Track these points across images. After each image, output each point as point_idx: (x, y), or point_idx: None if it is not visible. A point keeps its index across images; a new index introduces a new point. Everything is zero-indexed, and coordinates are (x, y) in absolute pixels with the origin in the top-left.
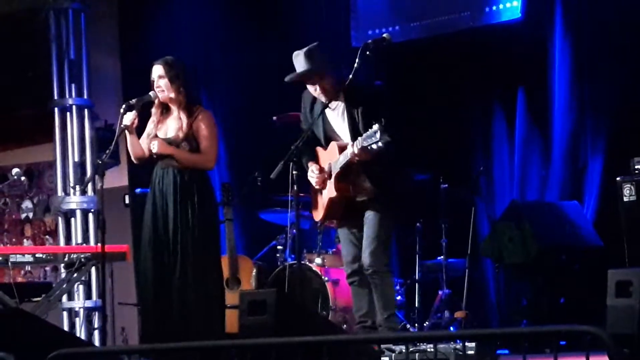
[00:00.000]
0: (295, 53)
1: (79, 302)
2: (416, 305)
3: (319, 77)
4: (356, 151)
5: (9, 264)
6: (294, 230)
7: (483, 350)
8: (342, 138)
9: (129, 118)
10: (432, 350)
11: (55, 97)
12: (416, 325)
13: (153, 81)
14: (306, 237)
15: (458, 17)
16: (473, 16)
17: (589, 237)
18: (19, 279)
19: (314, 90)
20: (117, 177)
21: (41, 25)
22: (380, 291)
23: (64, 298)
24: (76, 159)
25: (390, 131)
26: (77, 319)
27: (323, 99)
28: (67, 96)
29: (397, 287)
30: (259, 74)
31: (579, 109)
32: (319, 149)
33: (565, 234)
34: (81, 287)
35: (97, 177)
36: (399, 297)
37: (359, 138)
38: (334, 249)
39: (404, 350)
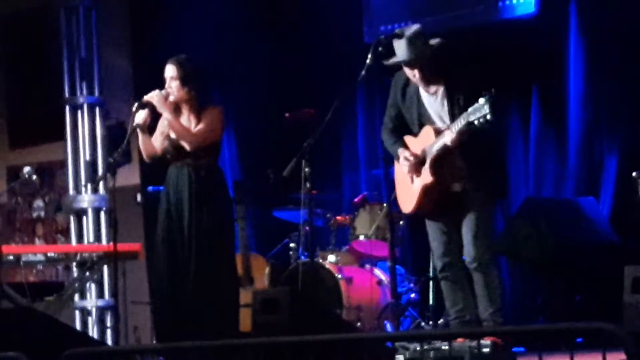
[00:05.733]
0: (395, 34)
1: (91, 301)
2: (430, 302)
3: (419, 64)
4: (454, 135)
5: (21, 263)
6: (307, 228)
7: (498, 348)
8: (438, 123)
9: (141, 116)
10: (447, 348)
11: (66, 96)
12: (430, 322)
13: (165, 79)
14: (319, 234)
15: (471, 12)
16: (486, 11)
17: (605, 234)
18: (31, 279)
19: (412, 75)
20: (129, 176)
21: (52, 23)
22: (485, 285)
23: (76, 297)
24: (87, 158)
25: (496, 107)
26: (89, 318)
27: (421, 85)
28: (78, 94)
29: (412, 285)
30: (271, 71)
31: (594, 105)
32: (407, 138)
33: (581, 230)
34: (93, 286)
35: (108, 175)
36: (412, 295)
37: (461, 116)
38: (348, 247)
39: (418, 348)
